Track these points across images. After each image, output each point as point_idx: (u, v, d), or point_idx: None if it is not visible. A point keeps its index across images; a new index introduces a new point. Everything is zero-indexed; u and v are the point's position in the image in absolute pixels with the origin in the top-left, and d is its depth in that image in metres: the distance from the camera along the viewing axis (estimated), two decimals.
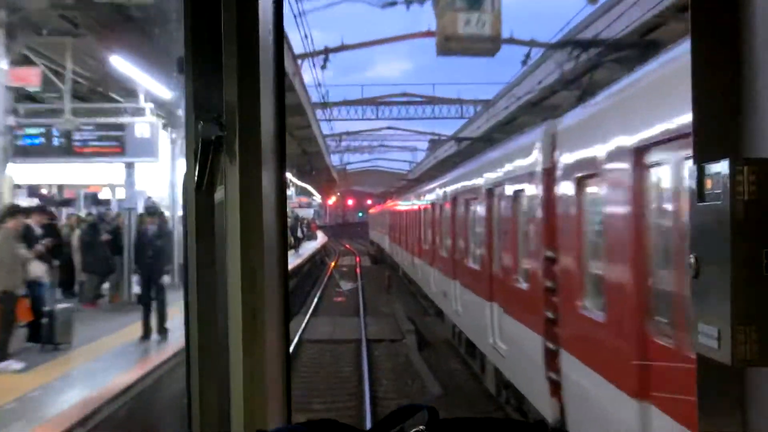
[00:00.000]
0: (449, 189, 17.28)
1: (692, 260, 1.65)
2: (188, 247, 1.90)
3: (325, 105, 42.19)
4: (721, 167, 1.55)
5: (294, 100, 27.59)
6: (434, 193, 20.55)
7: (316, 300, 29.53)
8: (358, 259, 56.32)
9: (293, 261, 35.06)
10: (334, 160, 73.51)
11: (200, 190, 1.86)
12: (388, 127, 49.19)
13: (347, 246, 76.18)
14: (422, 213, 24.43)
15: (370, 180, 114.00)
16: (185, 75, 1.88)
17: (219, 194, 1.87)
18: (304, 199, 56.92)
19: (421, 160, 68.59)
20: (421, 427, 1.48)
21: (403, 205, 35.35)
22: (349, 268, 47.84)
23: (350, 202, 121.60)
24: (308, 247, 46.12)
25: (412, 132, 49.51)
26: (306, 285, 35.06)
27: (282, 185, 1.93)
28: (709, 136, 1.70)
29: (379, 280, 36.70)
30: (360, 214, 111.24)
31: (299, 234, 45.34)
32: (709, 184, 1.61)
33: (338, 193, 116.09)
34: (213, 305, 1.89)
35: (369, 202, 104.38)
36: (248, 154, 1.82)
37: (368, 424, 2.37)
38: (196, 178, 1.84)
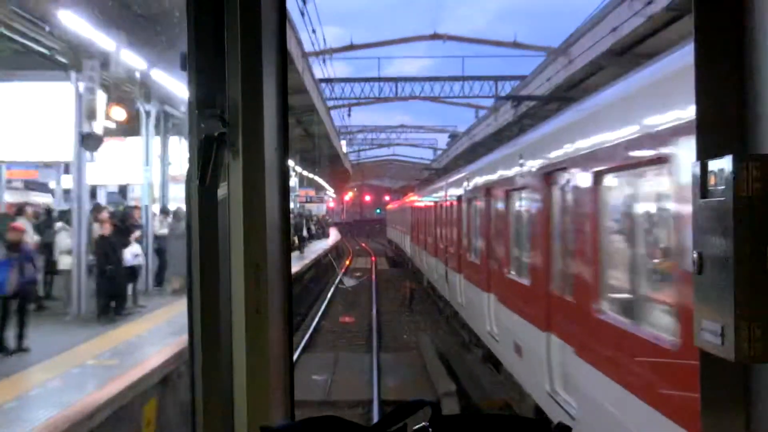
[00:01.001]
0: (535, 164, 8.59)
1: (695, 257, 1.65)
2: (191, 243, 1.90)
3: (328, 81, 34.02)
4: (725, 163, 1.56)
5: None
6: (493, 175, 11.88)
7: (315, 322, 22.99)
8: (373, 258, 51.70)
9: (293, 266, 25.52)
10: (350, 154, 65.16)
11: (203, 186, 1.86)
12: (411, 97, 40.05)
13: (363, 244, 71.31)
14: (465, 208, 16.93)
15: (388, 172, 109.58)
16: (188, 71, 1.88)
17: (222, 190, 1.88)
18: (311, 191, 48.66)
19: (450, 143, 59.09)
20: (424, 423, 1.49)
21: (429, 199, 27.10)
22: (363, 272, 42.09)
23: (367, 198, 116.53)
24: (314, 249, 37.55)
25: (440, 102, 40.45)
26: (306, 299, 28.99)
27: (285, 182, 1.93)
28: (713, 133, 1.72)
29: (398, 290, 30.44)
30: (378, 211, 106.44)
31: (304, 233, 36.88)
32: (712, 180, 1.61)
33: (354, 189, 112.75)
34: (216, 301, 1.89)
35: (387, 198, 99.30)
36: (251, 151, 1.83)
37: None
38: (199, 173, 1.84)
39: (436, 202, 24.68)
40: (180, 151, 23.56)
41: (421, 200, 32.10)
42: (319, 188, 62.72)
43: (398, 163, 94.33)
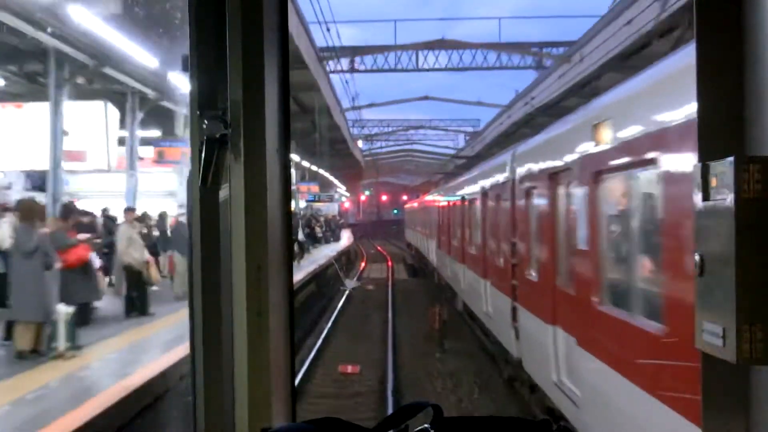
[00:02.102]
0: None
1: (697, 258, 1.70)
2: (193, 245, 1.95)
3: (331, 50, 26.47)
4: (726, 165, 1.61)
5: None
6: None
7: (306, 366, 16.08)
8: (389, 263, 45.83)
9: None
10: (360, 142, 57.59)
11: (205, 188, 1.91)
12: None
13: (379, 248, 64.37)
14: (580, 202, 8.21)
15: (406, 168, 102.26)
16: (190, 73, 1.92)
17: (224, 192, 1.93)
18: (314, 187, 41.08)
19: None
20: (426, 425, 1.53)
21: (468, 191, 19.76)
22: (377, 284, 34.32)
23: (384, 197, 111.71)
24: (315, 259, 29.32)
25: (472, 69, 31.73)
26: (299, 327, 21.06)
27: (287, 183, 1.98)
28: (714, 134, 1.76)
29: (423, 313, 22.02)
30: (395, 212, 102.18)
31: (301, 237, 28.89)
32: (714, 182, 1.65)
33: (371, 187, 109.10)
34: (218, 303, 1.94)
35: (405, 197, 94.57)
36: (253, 153, 1.86)
37: None
38: (200, 175, 1.90)
39: (483, 196, 16.13)
40: (97, 121, 15.30)
41: (452, 196, 23.51)
42: (326, 184, 54.48)
43: (417, 157, 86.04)
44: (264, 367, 1.82)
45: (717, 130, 1.73)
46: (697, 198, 1.67)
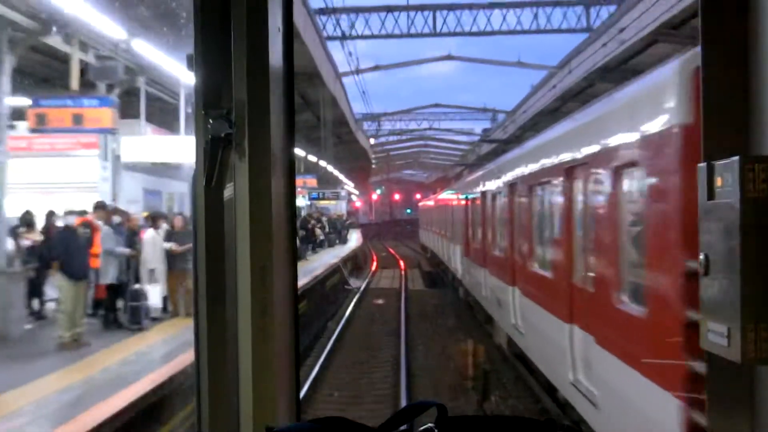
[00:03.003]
0: None
1: (702, 258, 1.71)
2: (197, 244, 1.98)
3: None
4: (731, 165, 1.62)
5: None
6: None
7: None
8: (402, 269, 41.03)
9: None
10: (369, 134, 52.50)
11: (209, 187, 1.94)
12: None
13: (391, 250, 59.22)
14: None
15: (420, 162, 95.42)
16: (195, 72, 1.93)
17: (228, 191, 1.96)
18: (310, 180, 35.42)
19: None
20: (430, 424, 1.52)
21: (542, 164, 11.26)
22: (387, 296, 28.66)
23: (397, 196, 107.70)
24: (310, 269, 23.26)
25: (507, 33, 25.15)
26: None
27: (291, 183, 2.02)
28: (719, 134, 1.78)
29: (445, 339, 17.83)
30: (408, 211, 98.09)
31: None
32: (718, 181, 1.66)
33: (382, 185, 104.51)
34: (222, 302, 1.96)
35: (418, 196, 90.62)
36: (257, 152, 1.90)
37: None
38: (205, 174, 1.94)
39: (566, 175, 9.36)
40: None
41: (492, 183, 16.82)
42: (328, 180, 48.52)
43: (433, 147, 79.85)
44: (268, 366, 1.86)
45: (722, 130, 1.75)
46: (702, 197, 1.69)
